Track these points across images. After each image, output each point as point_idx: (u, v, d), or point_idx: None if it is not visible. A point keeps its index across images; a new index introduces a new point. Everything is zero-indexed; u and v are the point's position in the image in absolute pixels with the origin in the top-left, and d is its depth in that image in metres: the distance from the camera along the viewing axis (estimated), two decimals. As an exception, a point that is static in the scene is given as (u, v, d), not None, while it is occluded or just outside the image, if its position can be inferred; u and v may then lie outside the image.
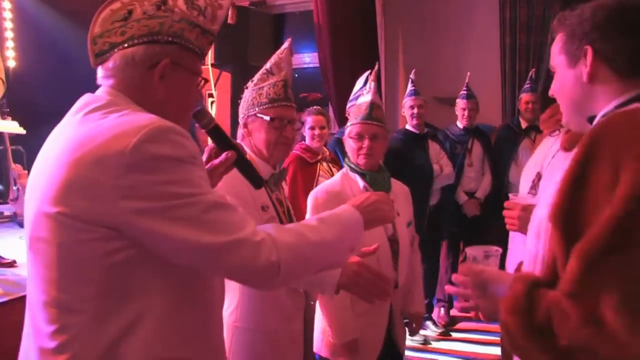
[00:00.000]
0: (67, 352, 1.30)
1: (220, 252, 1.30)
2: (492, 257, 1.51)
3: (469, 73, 5.15)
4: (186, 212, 1.27)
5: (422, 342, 4.81)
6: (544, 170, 2.38)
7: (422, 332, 4.93)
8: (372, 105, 2.58)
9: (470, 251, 1.53)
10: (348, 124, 2.68)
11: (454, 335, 4.97)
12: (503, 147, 5.20)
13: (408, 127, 4.96)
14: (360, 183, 2.60)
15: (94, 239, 1.27)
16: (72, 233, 1.27)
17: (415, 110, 4.84)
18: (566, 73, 1.44)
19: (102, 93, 1.41)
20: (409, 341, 4.84)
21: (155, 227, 1.25)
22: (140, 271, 1.31)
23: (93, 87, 1.42)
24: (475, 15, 6.71)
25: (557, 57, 1.46)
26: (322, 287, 1.95)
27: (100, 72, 1.43)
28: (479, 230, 4.95)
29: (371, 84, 2.66)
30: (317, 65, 6.32)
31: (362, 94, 2.66)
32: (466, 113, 5.06)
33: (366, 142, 2.56)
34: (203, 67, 5.15)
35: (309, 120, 4.23)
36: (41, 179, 1.34)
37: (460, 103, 5.11)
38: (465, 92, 5.10)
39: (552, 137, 2.53)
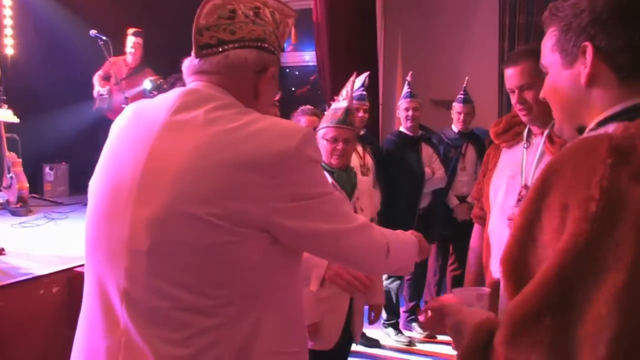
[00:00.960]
0: (207, 357, 1.30)
1: (352, 234, 1.45)
2: (480, 297, 1.46)
3: (467, 77, 5.15)
4: (326, 207, 1.39)
5: (407, 343, 4.85)
6: (532, 181, 2.40)
7: (407, 333, 4.97)
8: (348, 111, 2.79)
9: (456, 292, 1.51)
10: (323, 125, 2.85)
11: (440, 337, 4.95)
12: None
13: (402, 129, 4.97)
14: (329, 179, 2.71)
15: (242, 241, 1.29)
16: (220, 235, 1.27)
17: (410, 113, 4.85)
18: (561, 74, 1.23)
19: (211, 90, 1.41)
20: (394, 342, 4.89)
21: (303, 223, 1.34)
22: (269, 272, 1.37)
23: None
24: (475, 20, 6.74)
25: (549, 55, 1.25)
26: (309, 279, 2.08)
27: (200, 64, 1.43)
28: (469, 234, 4.95)
29: (348, 90, 2.80)
30: (316, 64, 6.32)
31: (339, 99, 2.78)
32: (462, 117, 5.06)
33: (340, 145, 2.79)
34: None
35: (302, 120, 4.23)
36: (166, 179, 1.29)
37: (457, 107, 5.11)
38: (462, 95, 5.10)
39: (514, 149, 2.54)
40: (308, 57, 7.48)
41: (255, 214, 1.28)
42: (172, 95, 1.41)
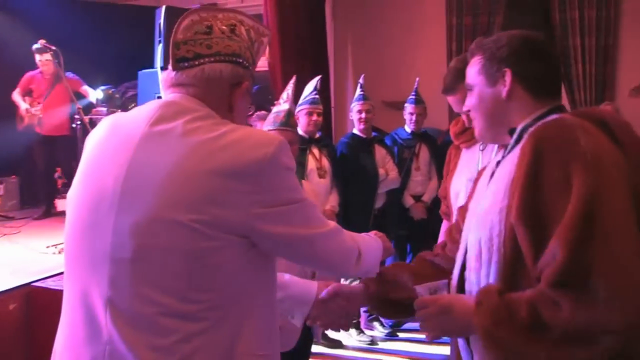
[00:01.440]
0: None
1: (326, 239, 1.50)
2: (438, 290, 1.63)
3: (417, 78, 5.23)
4: (301, 213, 1.44)
5: (369, 342, 4.88)
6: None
7: (369, 332, 5.01)
8: (290, 113, 2.83)
9: (418, 289, 1.66)
10: (265, 128, 2.89)
11: (401, 335, 5.04)
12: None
13: (355, 131, 5.02)
14: None
15: (224, 246, 1.33)
16: (203, 241, 1.31)
17: (363, 115, 4.90)
18: (485, 91, 1.62)
19: (188, 102, 1.45)
20: (356, 341, 4.93)
21: (280, 228, 1.39)
22: (249, 277, 1.41)
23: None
24: (423, 22, 6.85)
25: (476, 77, 1.64)
26: (293, 314, 2.04)
27: (176, 76, 1.47)
28: (425, 233, 5.04)
29: (289, 93, 2.84)
30: (267, 69, 6.32)
31: (280, 101, 2.83)
32: (414, 118, 5.14)
33: None
34: (152, 70, 5.09)
35: (258, 125, 4.24)
36: (148, 187, 1.33)
37: (409, 107, 5.18)
38: (413, 96, 5.17)
39: (472, 150, 2.60)
40: (259, 63, 7.47)
41: (236, 220, 1.33)
42: (150, 108, 1.45)
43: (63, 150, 5.94)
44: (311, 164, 4.57)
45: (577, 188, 1.29)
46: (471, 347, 1.56)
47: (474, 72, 1.64)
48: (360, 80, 5.06)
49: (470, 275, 1.56)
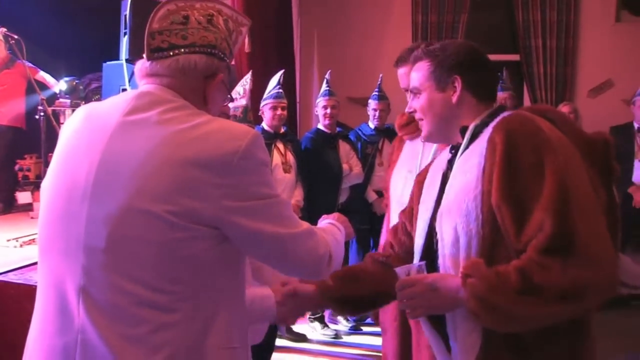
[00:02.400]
0: (163, 352, 1.32)
1: (298, 240, 1.47)
2: (420, 270, 1.63)
3: (381, 75, 5.27)
4: (273, 209, 1.42)
5: (333, 336, 4.92)
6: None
7: (333, 327, 5.04)
8: (247, 109, 2.80)
9: (399, 270, 1.65)
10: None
11: (365, 329, 5.10)
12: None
13: (320, 126, 5.05)
14: None
15: (195, 237, 1.32)
16: (175, 232, 1.30)
17: (328, 111, 4.94)
18: (435, 95, 1.73)
19: (163, 92, 1.44)
20: (321, 335, 4.97)
21: (251, 223, 1.37)
22: (221, 269, 1.41)
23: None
24: (389, 19, 6.91)
25: (425, 82, 1.75)
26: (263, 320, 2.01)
27: (151, 66, 1.46)
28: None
29: (246, 88, 2.84)
30: (233, 63, 6.31)
31: (237, 97, 2.83)
32: (377, 114, 5.18)
33: None
34: (117, 62, 5.01)
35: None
36: (121, 177, 1.32)
37: (372, 104, 5.22)
38: (377, 93, 5.22)
39: (415, 142, 2.64)
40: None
41: (208, 212, 1.32)
42: (125, 98, 1.45)
43: (23, 142, 5.82)
44: (276, 158, 4.59)
45: (550, 169, 1.46)
46: (450, 342, 1.64)
47: (421, 77, 1.75)
48: (327, 76, 5.09)
49: (447, 263, 1.62)
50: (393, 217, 2.61)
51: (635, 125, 5.44)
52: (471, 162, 1.62)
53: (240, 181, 1.36)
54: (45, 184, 1.47)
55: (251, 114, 2.90)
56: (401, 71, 2.51)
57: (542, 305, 1.41)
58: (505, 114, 1.66)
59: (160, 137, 1.34)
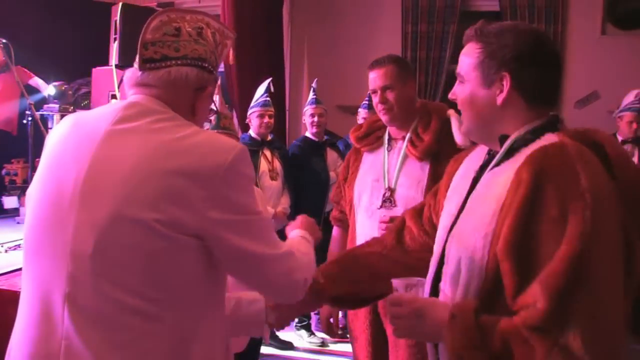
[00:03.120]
0: None
1: (275, 262, 1.47)
2: (415, 286, 1.52)
3: (370, 84, 5.29)
4: (256, 227, 1.43)
5: (320, 344, 4.92)
6: (395, 183, 2.55)
7: (320, 334, 5.03)
8: (219, 116, 2.89)
9: (395, 282, 1.55)
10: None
11: (351, 337, 5.10)
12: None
13: (308, 134, 5.07)
14: None
15: (181, 248, 1.34)
16: (161, 241, 1.31)
17: (315, 119, 4.96)
18: (479, 91, 1.48)
19: (152, 103, 1.45)
20: (307, 343, 4.96)
21: (234, 238, 1.38)
22: (208, 280, 1.42)
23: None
24: (379, 28, 6.94)
25: (471, 71, 1.49)
26: (251, 331, 1.98)
27: (142, 76, 1.47)
28: (376, 235, 5.09)
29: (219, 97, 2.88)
30: (222, 70, 6.32)
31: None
32: (366, 123, 5.20)
33: None
34: (107, 67, 5.01)
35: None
36: (109, 184, 1.33)
37: (362, 112, 5.23)
38: (367, 102, 5.22)
39: (376, 153, 2.67)
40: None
41: (193, 222, 1.33)
42: (114, 108, 1.46)
43: (10, 146, 5.79)
44: (263, 166, 4.60)
45: (571, 232, 1.23)
46: (439, 354, 1.54)
47: (469, 64, 1.50)
48: (313, 85, 5.11)
49: (446, 288, 1.50)
50: (360, 225, 2.63)
51: (619, 138, 5.51)
52: (495, 189, 1.41)
53: (226, 194, 1.37)
54: (32, 190, 1.48)
55: (225, 121, 2.91)
56: (372, 74, 2.56)
57: None
58: (548, 139, 1.39)
59: (148, 147, 1.36)
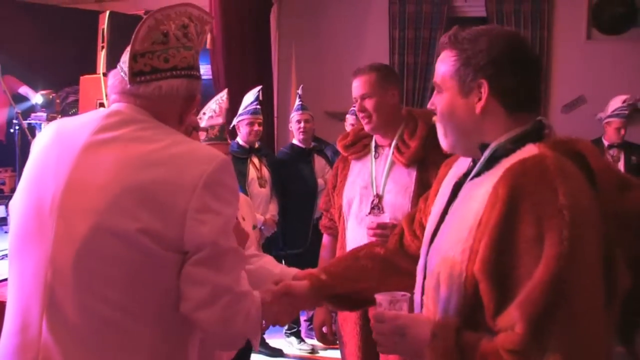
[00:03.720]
0: None
1: (237, 297, 1.40)
2: (399, 302, 1.50)
3: (358, 90, 5.31)
4: (229, 259, 1.39)
5: (310, 351, 4.93)
6: (383, 190, 2.57)
7: (310, 341, 5.05)
8: (223, 127, 2.94)
9: (379, 297, 1.53)
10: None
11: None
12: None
13: (295, 141, 5.07)
14: None
15: (161, 262, 1.33)
16: (143, 254, 1.30)
17: (302, 125, 4.97)
18: (457, 100, 1.43)
19: (135, 112, 1.44)
20: (297, 350, 4.97)
21: (205, 262, 1.34)
22: None
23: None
24: (366, 34, 6.96)
25: (448, 80, 1.44)
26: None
27: (130, 87, 1.45)
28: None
29: (222, 106, 2.90)
30: (210, 77, 6.30)
31: (213, 115, 2.87)
32: (354, 129, 5.21)
33: None
34: (95, 76, 4.99)
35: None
36: (89, 196, 1.32)
37: (350, 119, 5.26)
38: (354, 108, 5.24)
39: (363, 161, 2.69)
40: (203, 70, 7.43)
41: (173, 235, 1.32)
42: (95, 117, 1.45)
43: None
44: (252, 173, 4.61)
45: (548, 253, 1.19)
46: None
47: (446, 73, 1.45)
48: (299, 91, 5.13)
49: (428, 303, 1.48)
50: (350, 233, 2.64)
51: (605, 143, 5.57)
52: (473, 204, 1.37)
53: (207, 205, 1.35)
54: (15, 201, 1.48)
55: (226, 132, 2.94)
56: (354, 82, 2.58)
57: None
58: (528, 151, 1.34)
59: (127, 157, 1.35)
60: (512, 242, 1.24)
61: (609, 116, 5.40)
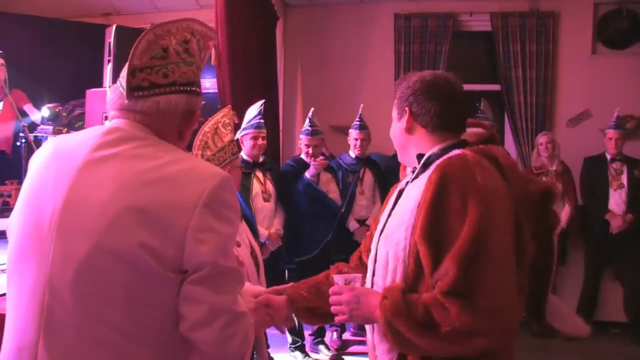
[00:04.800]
0: None
1: (236, 317, 1.39)
2: (353, 281, 1.82)
3: (362, 105, 5.33)
4: (230, 277, 1.38)
5: (314, 366, 4.91)
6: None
7: (314, 356, 5.02)
8: (236, 142, 2.90)
9: (336, 278, 1.85)
10: (225, 160, 2.89)
11: (346, 358, 5.07)
12: (391, 176, 5.37)
13: (303, 156, 5.06)
14: None
15: (161, 282, 1.30)
16: (143, 274, 1.28)
17: (310, 150, 4.98)
18: (395, 124, 1.90)
19: (134, 129, 1.43)
20: (302, 365, 4.95)
21: (205, 282, 1.33)
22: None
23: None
24: (372, 48, 6.98)
25: (393, 110, 1.91)
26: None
27: (128, 103, 1.43)
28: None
29: (233, 121, 2.93)
30: (216, 91, 6.31)
31: (222, 131, 2.87)
32: (358, 143, 5.23)
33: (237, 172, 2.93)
34: (101, 89, 5.01)
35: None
36: (86, 216, 1.30)
37: (353, 133, 5.27)
38: (358, 122, 5.27)
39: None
40: (209, 84, 7.48)
41: (170, 253, 1.30)
42: (94, 134, 1.43)
43: (5, 168, 5.79)
44: (256, 187, 4.60)
45: (471, 217, 1.55)
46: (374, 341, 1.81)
47: (393, 106, 1.90)
48: (310, 115, 5.09)
49: (378, 280, 1.78)
50: None
51: (608, 156, 5.58)
52: (412, 193, 1.73)
53: (207, 224, 1.33)
54: (13, 218, 1.45)
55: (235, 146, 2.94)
56: None
57: (436, 340, 1.55)
58: (454, 153, 1.73)
59: (125, 176, 1.33)
60: (443, 213, 1.59)
61: (608, 127, 5.57)
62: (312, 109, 5.20)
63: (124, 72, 1.45)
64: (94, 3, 7.20)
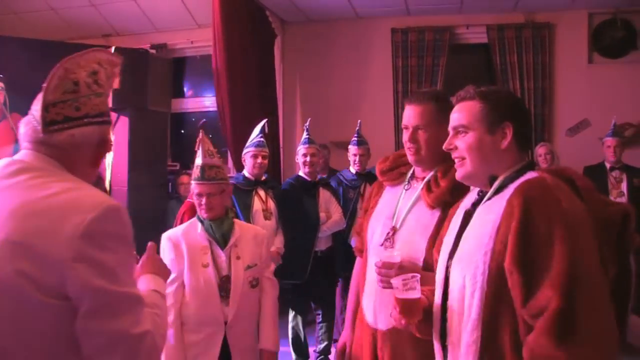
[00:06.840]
0: None
1: (136, 340, 1.40)
2: (411, 281, 1.80)
3: (359, 120, 5.35)
4: (122, 303, 1.38)
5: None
6: (401, 224, 2.44)
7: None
8: (204, 167, 2.90)
9: (393, 282, 1.83)
10: (192, 181, 2.98)
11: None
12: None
13: (301, 173, 5.05)
14: (199, 228, 2.95)
15: (44, 306, 1.31)
16: (21, 299, 1.30)
17: (308, 159, 4.94)
18: (484, 137, 1.77)
19: (38, 161, 1.45)
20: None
21: (98, 285, 1.33)
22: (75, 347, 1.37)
23: None
24: (370, 63, 7.04)
25: (474, 121, 1.79)
26: None
27: (44, 137, 1.46)
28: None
29: (201, 148, 2.91)
30: (215, 109, 6.32)
31: (198, 155, 2.91)
32: (357, 159, 5.23)
33: (204, 200, 2.90)
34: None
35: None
36: None
37: (352, 149, 5.27)
38: (356, 138, 5.26)
39: (396, 189, 2.55)
40: (209, 103, 7.53)
41: (52, 282, 1.31)
42: None
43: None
44: (257, 205, 4.60)
45: (560, 242, 1.53)
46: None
47: (471, 116, 1.79)
48: (306, 125, 5.12)
49: (453, 304, 1.76)
50: (370, 262, 2.55)
51: (607, 165, 5.60)
52: (489, 216, 1.70)
53: (88, 254, 1.34)
54: None
55: (210, 172, 2.93)
56: (409, 109, 2.41)
57: None
58: (530, 175, 1.71)
59: (14, 208, 1.37)
60: (532, 238, 1.56)
61: (605, 136, 5.60)
62: (309, 119, 5.21)
63: (36, 106, 1.49)
64: (94, 25, 7.26)
